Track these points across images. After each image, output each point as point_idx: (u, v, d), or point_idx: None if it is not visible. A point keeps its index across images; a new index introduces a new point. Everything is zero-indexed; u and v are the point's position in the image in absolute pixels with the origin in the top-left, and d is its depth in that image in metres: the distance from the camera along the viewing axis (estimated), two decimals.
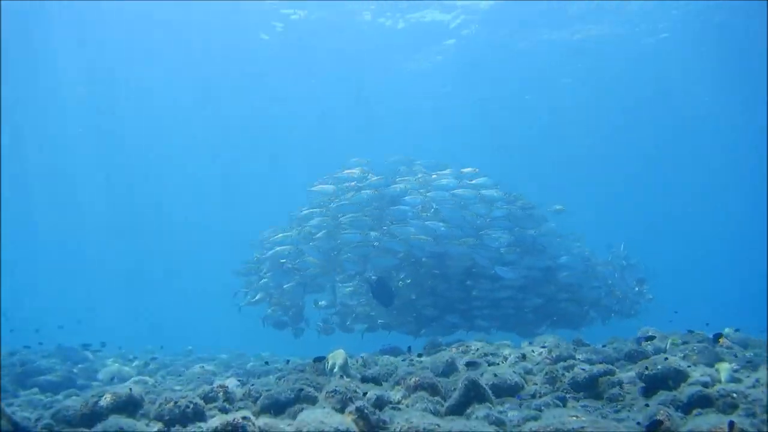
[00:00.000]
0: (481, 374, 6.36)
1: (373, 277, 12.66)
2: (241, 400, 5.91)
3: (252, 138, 36.41)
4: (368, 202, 12.90)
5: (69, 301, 51.88)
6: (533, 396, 5.96)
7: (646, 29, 25.07)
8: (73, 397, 8.87)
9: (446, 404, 5.45)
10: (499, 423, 4.80)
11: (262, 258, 13.70)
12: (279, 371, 9.30)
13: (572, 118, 32.98)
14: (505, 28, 25.45)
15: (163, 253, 52.89)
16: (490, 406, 5.32)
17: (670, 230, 47.90)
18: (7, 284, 39.41)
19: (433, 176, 13.15)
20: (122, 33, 24.85)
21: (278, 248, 13.24)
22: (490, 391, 5.61)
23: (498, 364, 7.49)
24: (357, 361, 7.98)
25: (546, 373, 6.49)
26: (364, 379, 6.60)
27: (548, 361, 7.39)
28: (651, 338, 8.00)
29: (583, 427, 4.01)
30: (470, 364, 7.28)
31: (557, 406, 5.43)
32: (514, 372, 6.49)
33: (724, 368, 6.06)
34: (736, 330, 8.43)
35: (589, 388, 6.06)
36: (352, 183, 13.04)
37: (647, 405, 5.14)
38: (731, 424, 3.91)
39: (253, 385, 6.71)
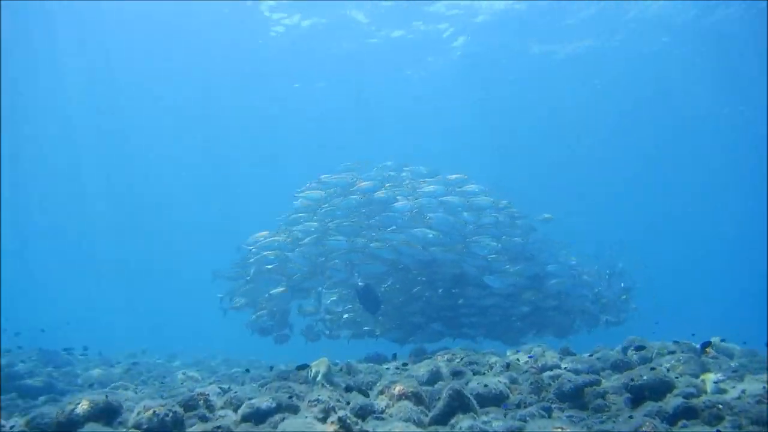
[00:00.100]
0: (466, 383, 6.30)
1: (359, 284, 12.58)
2: (222, 408, 5.79)
3: (252, 138, 36.41)
4: (356, 208, 12.84)
5: (69, 301, 51.93)
6: (518, 406, 5.90)
7: (645, 29, 25.19)
8: (50, 405, 8.69)
9: (430, 414, 5.38)
10: None
11: (248, 263, 13.57)
12: (262, 378, 9.18)
13: (572, 119, 33.14)
14: (506, 33, 25.60)
15: (163, 253, 52.96)
16: (475, 416, 5.25)
17: (671, 230, 48.16)
18: (7, 285, 39.23)
19: (422, 183, 13.11)
20: (123, 33, 24.89)
21: (264, 253, 13.13)
22: (474, 401, 5.55)
23: (483, 373, 7.43)
24: (341, 369, 7.89)
25: (531, 383, 6.44)
26: (348, 388, 6.51)
27: (534, 370, 7.34)
28: (641, 348, 7.97)
29: None
30: (455, 373, 7.22)
31: (542, 416, 5.38)
32: (500, 381, 6.43)
33: (710, 379, 6.04)
34: (722, 340, 8.43)
35: (575, 398, 6.01)
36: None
37: (631, 417, 5.10)
38: None
39: (235, 392, 6.61)
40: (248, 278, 13.60)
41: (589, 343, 9.84)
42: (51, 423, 5.27)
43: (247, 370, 11.69)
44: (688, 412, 5.04)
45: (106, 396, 5.45)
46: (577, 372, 6.96)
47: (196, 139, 36.46)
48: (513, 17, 24.36)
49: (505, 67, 28.48)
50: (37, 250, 50.00)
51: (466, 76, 28.67)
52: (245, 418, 5.25)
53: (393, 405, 5.66)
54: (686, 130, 34.07)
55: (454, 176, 13.37)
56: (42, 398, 9.94)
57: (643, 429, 4.38)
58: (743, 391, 5.57)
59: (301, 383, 6.54)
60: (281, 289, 13.22)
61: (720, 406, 5.02)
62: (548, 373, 6.93)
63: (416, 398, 5.74)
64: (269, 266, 13.16)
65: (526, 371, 7.33)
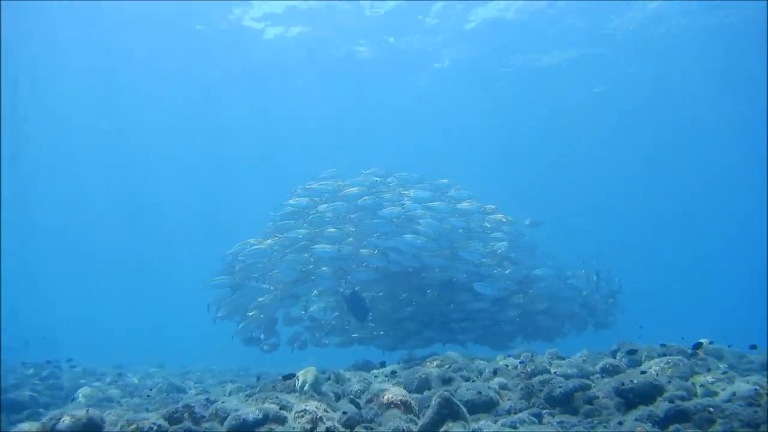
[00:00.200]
0: (456, 390, 6.23)
1: (347, 291, 12.48)
2: (208, 421, 5.68)
3: (252, 138, 36.27)
4: (344, 215, 12.76)
5: (69, 301, 51.45)
6: (509, 412, 5.84)
7: (646, 30, 25.33)
8: (30, 421, 8.51)
9: (420, 422, 5.30)
10: None
11: (233, 271, 13.39)
12: (249, 388, 9.05)
13: (572, 119, 33.25)
14: (506, 38, 25.75)
15: (163, 253, 52.78)
16: (465, 424, 5.18)
17: (671, 231, 48.40)
18: (8, 285, 38.82)
19: (410, 190, 13.06)
20: (123, 33, 24.70)
21: (251, 261, 12.99)
22: (464, 408, 5.47)
23: (473, 379, 7.37)
24: (329, 377, 7.79)
25: (521, 388, 6.38)
26: (336, 397, 6.43)
27: (523, 375, 7.29)
28: (633, 351, 7.95)
29: None
30: (445, 380, 7.15)
31: (533, 422, 5.32)
32: (489, 387, 6.37)
33: (700, 382, 6.02)
34: (711, 342, 8.42)
35: (565, 403, 5.96)
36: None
37: (620, 423, 5.06)
38: None
39: (222, 403, 6.49)
40: (234, 286, 13.40)
41: (577, 346, 9.81)
42: None
43: (232, 381, 11.49)
44: (680, 416, 4.99)
45: (87, 411, 5.32)
46: (567, 376, 6.92)
47: (196, 139, 36.24)
48: (514, 21, 24.49)
49: (505, 67, 28.57)
50: (37, 250, 49.81)
51: (467, 77, 28.79)
52: (231, 431, 5.15)
53: (382, 414, 5.58)
54: (686, 130, 34.18)
55: (441, 181, 13.34)
56: (25, 413, 9.77)
57: None
58: (734, 393, 5.54)
59: (288, 393, 6.44)
60: (268, 297, 13.09)
61: (711, 409, 4.98)
62: (538, 378, 6.87)
63: (405, 406, 5.67)
64: (255, 275, 13.02)
65: (516, 376, 7.28)
